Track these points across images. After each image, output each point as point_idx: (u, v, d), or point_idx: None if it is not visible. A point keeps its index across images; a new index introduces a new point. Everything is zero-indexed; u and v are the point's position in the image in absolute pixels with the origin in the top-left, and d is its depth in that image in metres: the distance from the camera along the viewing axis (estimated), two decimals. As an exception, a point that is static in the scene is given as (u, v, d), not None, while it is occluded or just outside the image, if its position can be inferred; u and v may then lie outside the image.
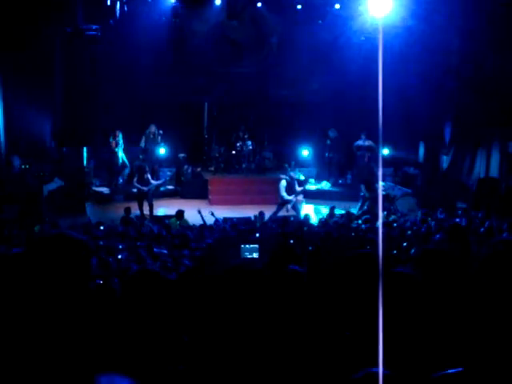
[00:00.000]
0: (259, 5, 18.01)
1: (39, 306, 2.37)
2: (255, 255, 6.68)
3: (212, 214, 13.78)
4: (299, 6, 18.51)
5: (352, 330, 3.10)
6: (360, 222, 13.42)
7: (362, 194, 16.37)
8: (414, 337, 3.02)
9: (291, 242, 10.71)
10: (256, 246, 6.90)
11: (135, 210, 15.36)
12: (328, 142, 19.35)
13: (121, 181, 18.36)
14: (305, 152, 19.43)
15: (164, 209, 16.52)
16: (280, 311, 3.08)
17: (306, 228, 12.36)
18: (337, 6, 17.99)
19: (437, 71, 16.32)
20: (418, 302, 3.25)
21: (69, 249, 2.51)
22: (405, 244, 9.50)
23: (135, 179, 16.26)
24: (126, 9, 17.68)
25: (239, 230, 11.54)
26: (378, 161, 18.16)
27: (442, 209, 14.12)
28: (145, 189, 15.86)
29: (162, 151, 18.57)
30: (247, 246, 6.84)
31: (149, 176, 16.22)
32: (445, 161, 17.64)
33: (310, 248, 10.35)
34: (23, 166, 15.34)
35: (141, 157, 18.14)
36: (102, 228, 12.17)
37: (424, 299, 3.27)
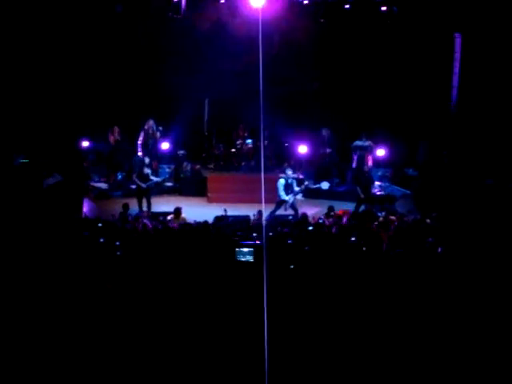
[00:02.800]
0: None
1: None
2: (250, 258, 6.60)
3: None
4: (306, 1, 17.90)
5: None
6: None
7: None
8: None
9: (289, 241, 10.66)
10: (251, 249, 6.83)
11: (134, 207, 15.31)
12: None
13: (119, 177, 18.29)
14: (301, 149, 18.84)
15: (163, 205, 16.41)
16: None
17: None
18: None
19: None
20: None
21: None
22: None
23: (135, 175, 16.20)
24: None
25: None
26: (374, 161, 18.08)
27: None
28: (143, 186, 15.78)
29: (165, 146, 18.51)
30: (242, 249, 6.77)
31: (149, 172, 16.14)
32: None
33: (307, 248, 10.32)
34: (21, 161, 15.30)
35: (139, 153, 18.02)
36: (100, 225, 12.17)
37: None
